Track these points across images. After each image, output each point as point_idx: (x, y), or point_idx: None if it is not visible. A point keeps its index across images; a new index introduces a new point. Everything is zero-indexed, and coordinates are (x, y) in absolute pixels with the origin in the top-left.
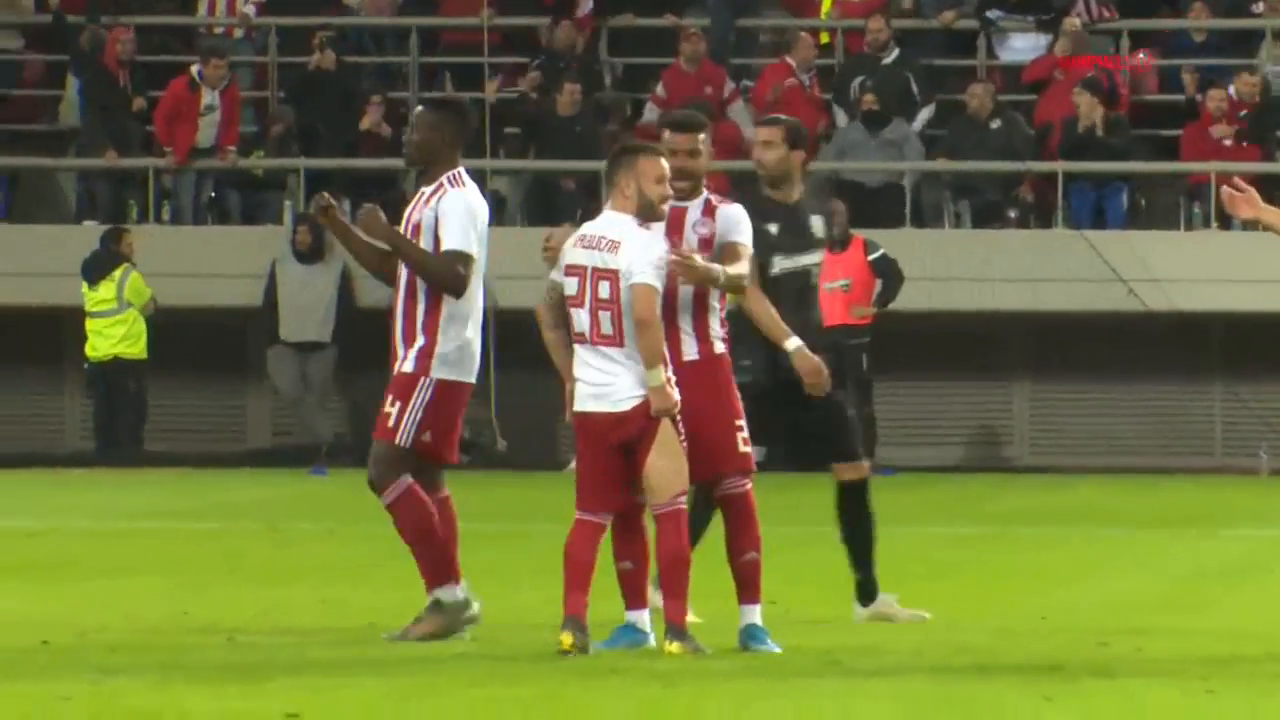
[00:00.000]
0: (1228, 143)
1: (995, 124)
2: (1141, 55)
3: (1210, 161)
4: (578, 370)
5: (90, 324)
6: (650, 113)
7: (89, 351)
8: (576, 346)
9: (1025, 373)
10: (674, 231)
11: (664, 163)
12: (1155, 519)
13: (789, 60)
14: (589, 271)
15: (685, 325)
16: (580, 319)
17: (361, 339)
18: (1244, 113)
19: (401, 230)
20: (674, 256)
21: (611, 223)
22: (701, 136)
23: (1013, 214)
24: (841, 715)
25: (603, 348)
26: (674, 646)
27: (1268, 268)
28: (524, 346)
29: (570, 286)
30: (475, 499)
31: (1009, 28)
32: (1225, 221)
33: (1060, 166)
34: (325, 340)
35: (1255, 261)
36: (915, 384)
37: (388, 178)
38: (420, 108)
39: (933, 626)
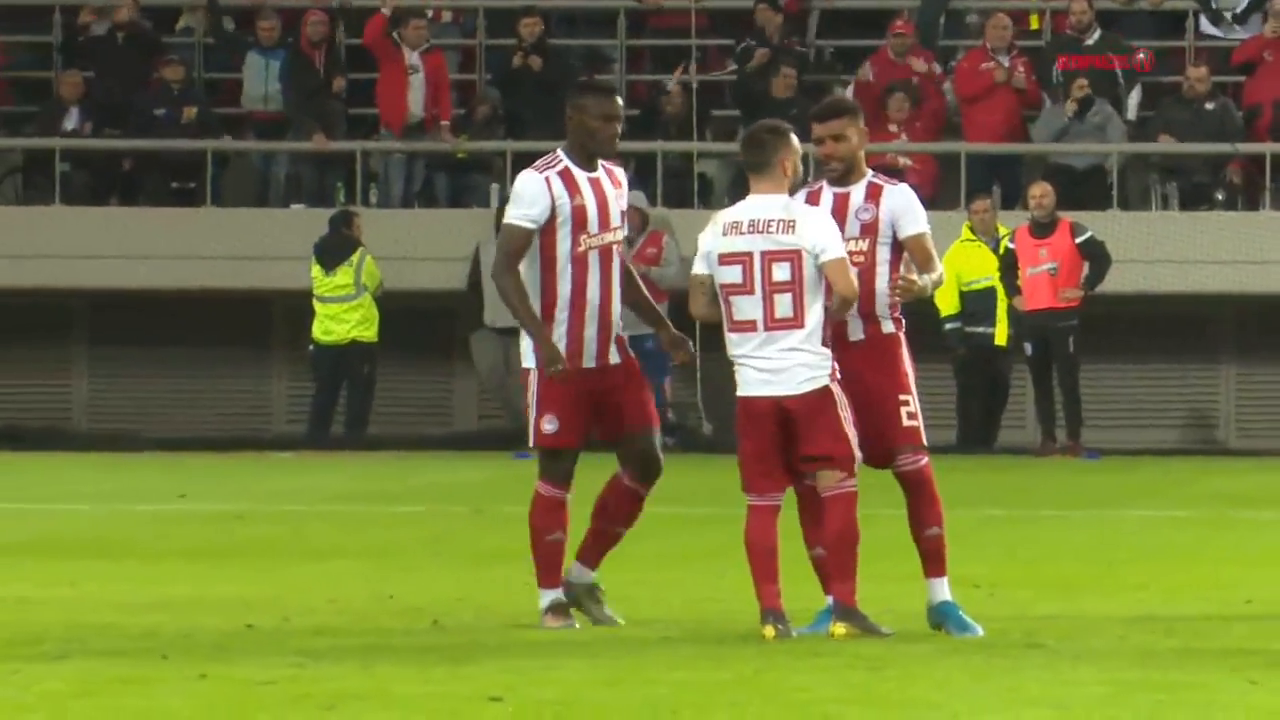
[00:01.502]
0: None
1: (1210, 106)
2: (1141, 56)
3: None
4: (744, 354)
5: (323, 308)
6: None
7: (320, 335)
8: (737, 336)
9: (1233, 355)
10: (837, 217)
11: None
12: None
13: (986, 44)
14: (758, 256)
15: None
16: (747, 306)
17: None
18: None
19: None
20: (898, 283)
21: (774, 203)
22: (843, 121)
23: (1220, 196)
24: (1048, 699)
25: (779, 332)
26: (840, 628)
27: None
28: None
29: (731, 275)
30: (681, 483)
31: (1225, 5)
32: None
33: (1269, 148)
34: None
35: None
36: (1123, 367)
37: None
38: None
39: (1139, 608)
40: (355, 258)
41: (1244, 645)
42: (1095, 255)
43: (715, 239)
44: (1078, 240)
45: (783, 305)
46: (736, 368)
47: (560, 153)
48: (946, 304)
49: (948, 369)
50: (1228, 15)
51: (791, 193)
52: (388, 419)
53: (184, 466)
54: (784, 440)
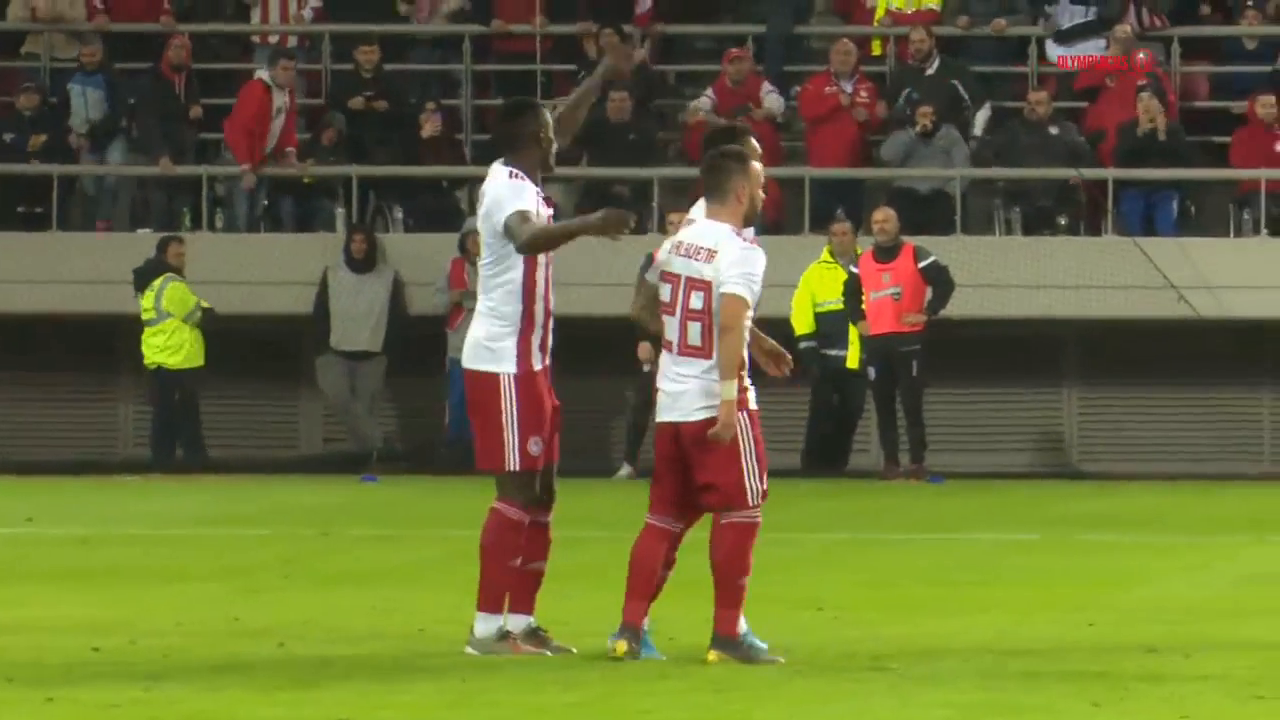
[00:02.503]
0: (1279, 148)
1: (1053, 130)
2: (1141, 56)
3: (1262, 169)
4: (660, 380)
5: (143, 333)
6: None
7: (145, 359)
8: (663, 354)
9: (1078, 379)
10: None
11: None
12: (1207, 525)
13: (829, 69)
14: (682, 280)
15: None
16: (670, 327)
17: (411, 347)
18: None
19: None
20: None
21: (710, 231)
22: None
23: (1063, 221)
24: None
25: (687, 358)
26: (712, 655)
27: None
28: (577, 352)
29: (664, 293)
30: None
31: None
32: (1275, 228)
33: (1112, 173)
34: (376, 349)
35: None
36: (968, 391)
37: (441, 184)
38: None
39: (984, 631)
40: (157, 283)
41: (1087, 668)
42: (938, 280)
43: (663, 253)
44: (921, 265)
45: (694, 333)
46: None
47: (509, 167)
48: (801, 324)
49: (797, 391)
50: (1071, 35)
51: (746, 223)
52: (233, 442)
53: (31, 490)
54: (683, 467)
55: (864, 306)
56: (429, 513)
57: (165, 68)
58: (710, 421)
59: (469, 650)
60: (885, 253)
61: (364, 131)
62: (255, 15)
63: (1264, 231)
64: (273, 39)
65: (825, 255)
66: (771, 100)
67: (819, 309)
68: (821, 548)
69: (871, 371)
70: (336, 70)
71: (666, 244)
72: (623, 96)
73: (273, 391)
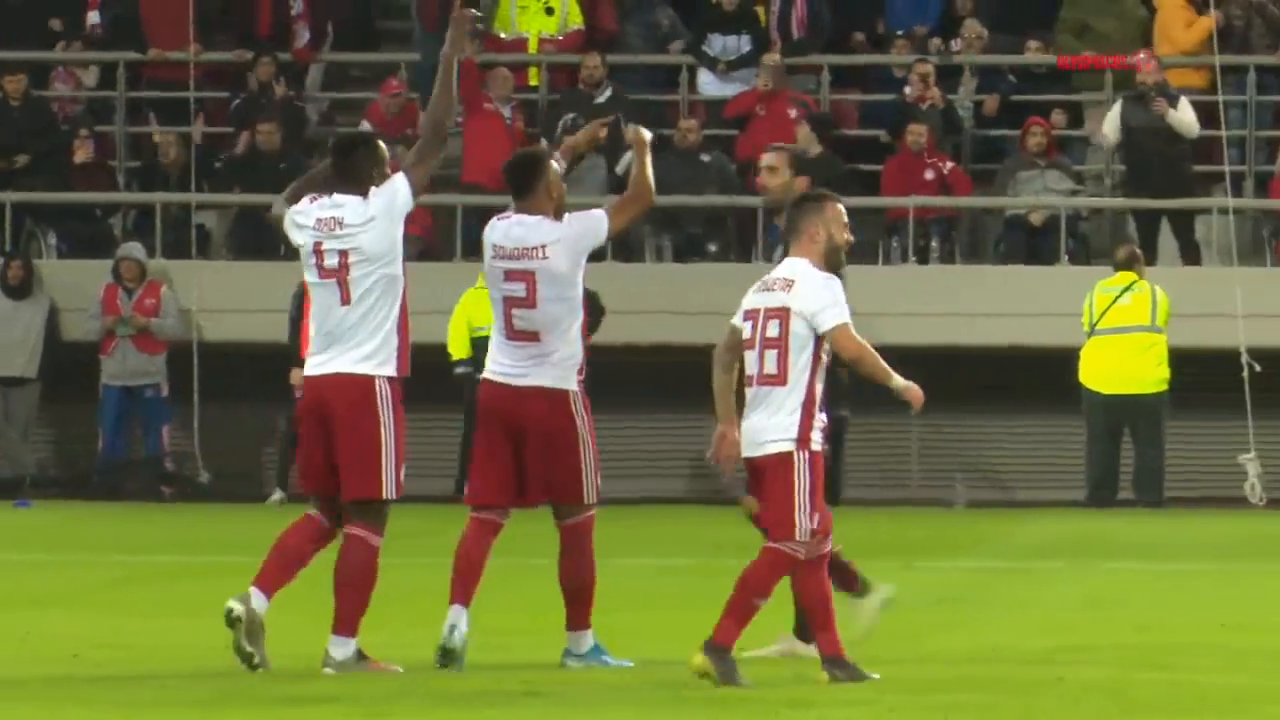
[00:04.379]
0: (929, 176)
1: (705, 158)
2: (1142, 55)
3: (912, 196)
4: (746, 414)
5: None
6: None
7: None
8: (747, 389)
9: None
10: None
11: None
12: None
13: (488, 94)
14: (761, 313)
15: None
16: (750, 360)
17: (65, 372)
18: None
19: None
20: None
21: (790, 266)
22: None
23: (713, 248)
24: None
25: (764, 387)
26: (699, 660)
27: (965, 302)
28: (226, 378)
29: (746, 330)
30: (180, 531)
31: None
32: (923, 256)
33: (762, 201)
34: (31, 376)
35: (955, 296)
36: (626, 417)
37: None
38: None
39: (631, 654)
40: None
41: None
42: (589, 307)
43: (749, 295)
44: None
45: (770, 361)
46: None
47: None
48: (457, 348)
49: (452, 415)
50: (722, 65)
51: (830, 263)
52: None
53: None
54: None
55: None
56: (82, 537)
57: None
58: (779, 455)
59: (328, 671)
60: None
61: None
62: None
63: (912, 259)
64: None
65: (481, 281)
66: None
67: (475, 334)
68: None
69: None
70: None
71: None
72: (271, 128)
73: None
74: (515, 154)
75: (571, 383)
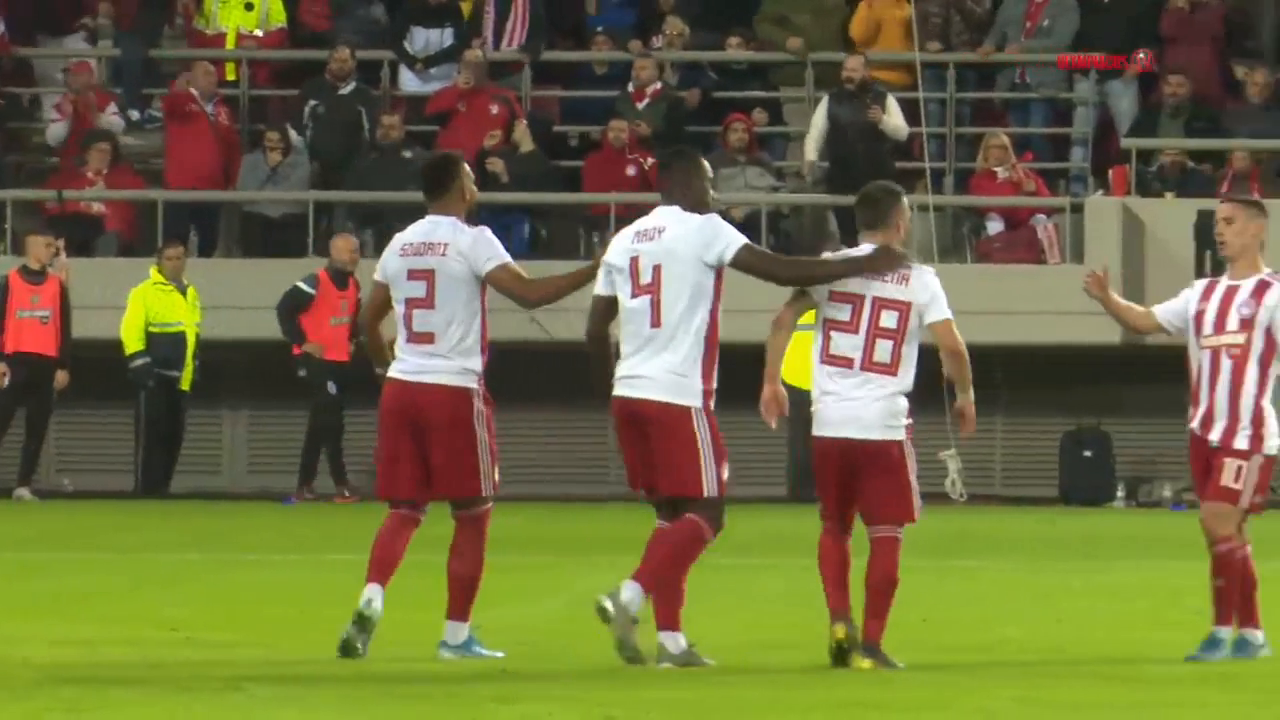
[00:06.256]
0: (631, 172)
1: (408, 154)
2: (1140, 55)
3: (614, 193)
4: (826, 388)
5: None
6: (53, 136)
7: None
8: (827, 368)
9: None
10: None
11: None
12: (547, 546)
13: (192, 90)
14: (868, 300)
15: None
16: (846, 343)
17: None
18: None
19: None
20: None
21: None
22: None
23: None
24: None
25: (871, 374)
26: (865, 662)
27: None
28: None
29: (839, 311)
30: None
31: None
32: None
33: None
34: None
35: None
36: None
37: None
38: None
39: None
40: None
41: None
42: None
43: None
44: None
45: (882, 350)
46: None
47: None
48: (131, 341)
49: (125, 411)
50: (419, 64)
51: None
52: None
53: None
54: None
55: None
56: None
57: None
58: (888, 443)
59: (664, 665)
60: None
61: None
62: None
63: None
64: None
65: (155, 276)
66: (111, 120)
67: (154, 329)
68: (176, 567)
69: None
70: None
71: None
72: None
73: None
74: (432, 156)
75: (472, 380)
